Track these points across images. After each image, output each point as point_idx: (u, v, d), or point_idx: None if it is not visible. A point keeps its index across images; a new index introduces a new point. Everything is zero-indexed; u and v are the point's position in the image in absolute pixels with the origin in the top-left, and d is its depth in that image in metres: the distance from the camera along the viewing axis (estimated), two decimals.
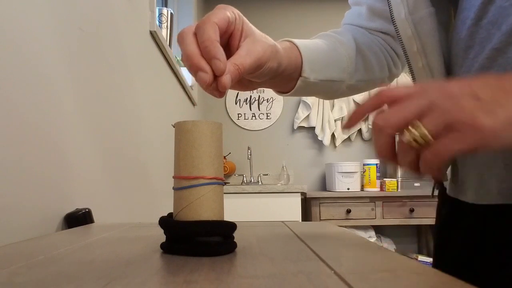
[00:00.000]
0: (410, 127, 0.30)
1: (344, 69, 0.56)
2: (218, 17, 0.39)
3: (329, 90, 0.57)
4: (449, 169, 0.56)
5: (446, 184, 0.57)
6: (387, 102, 0.34)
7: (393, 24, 0.50)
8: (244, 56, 0.41)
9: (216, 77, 0.38)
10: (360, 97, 2.96)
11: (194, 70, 0.38)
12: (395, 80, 0.65)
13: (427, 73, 0.48)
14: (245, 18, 0.43)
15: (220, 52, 0.37)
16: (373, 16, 0.61)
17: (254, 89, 0.51)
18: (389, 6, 0.50)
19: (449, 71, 0.49)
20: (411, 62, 0.49)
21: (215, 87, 0.39)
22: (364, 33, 0.62)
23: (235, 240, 0.38)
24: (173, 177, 0.37)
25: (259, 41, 0.44)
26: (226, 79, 0.38)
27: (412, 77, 0.49)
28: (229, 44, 0.43)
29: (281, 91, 0.55)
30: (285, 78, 0.51)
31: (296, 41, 0.52)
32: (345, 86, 0.58)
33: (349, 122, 0.37)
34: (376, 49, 0.61)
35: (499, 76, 0.30)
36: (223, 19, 0.40)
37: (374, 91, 0.44)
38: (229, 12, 0.41)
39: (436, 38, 0.48)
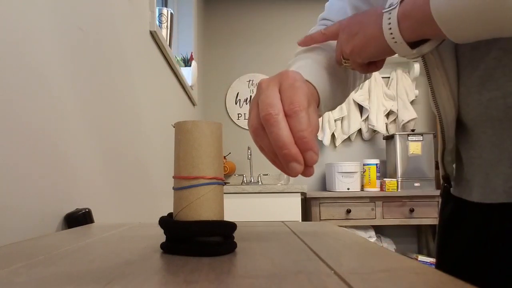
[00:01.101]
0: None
1: (342, 92, 0.58)
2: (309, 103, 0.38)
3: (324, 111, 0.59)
4: (453, 168, 0.56)
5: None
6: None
7: None
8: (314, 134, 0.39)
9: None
10: (360, 97, 2.97)
11: (288, 160, 0.36)
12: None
13: (441, 73, 0.48)
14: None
15: (316, 145, 0.36)
16: None
17: None
18: None
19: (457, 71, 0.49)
20: (427, 62, 0.49)
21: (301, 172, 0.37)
22: None
23: (235, 240, 0.38)
24: (173, 177, 0.37)
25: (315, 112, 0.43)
26: (312, 162, 0.37)
27: (428, 77, 0.49)
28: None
29: None
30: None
31: (313, 82, 0.49)
32: (337, 105, 0.60)
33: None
34: None
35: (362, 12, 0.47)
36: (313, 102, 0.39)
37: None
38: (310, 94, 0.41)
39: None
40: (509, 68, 0.39)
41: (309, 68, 0.51)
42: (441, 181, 0.58)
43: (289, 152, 0.35)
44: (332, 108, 0.57)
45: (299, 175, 0.37)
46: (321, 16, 0.66)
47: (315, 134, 0.40)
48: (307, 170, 0.37)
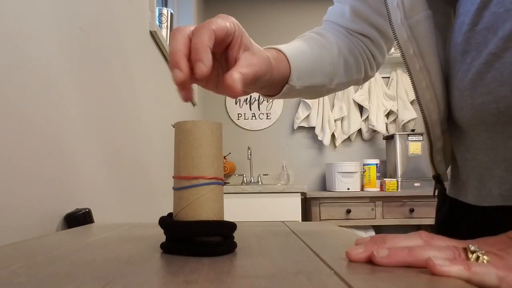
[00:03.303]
0: None
1: (327, 75, 0.59)
2: (217, 25, 0.39)
3: (310, 93, 0.60)
4: (449, 169, 0.56)
5: (446, 184, 0.57)
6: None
7: (391, 28, 0.50)
8: (246, 67, 0.41)
9: (194, 79, 0.38)
10: (360, 97, 2.97)
11: (172, 65, 0.38)
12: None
13: (424, 76, 0.48)
14: (244, 31, 0.43)
15: (207, 57, 0.37)
16: (356, 17, 0.63)
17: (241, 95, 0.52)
18: (387, 10, 0.50)
19: (447, 75, 0.49)
20: (409, 65, 0.49)
21: (184, 88, 0.39)
22: (345, 34, 0.64)
23: (235, 240, 0.38)
24: (173, 177, 0.37)
25: (257, 55, 0.44)
26: (237, 77, 0.39)
27: (410, 79, 0.49)
28: (227, 55, 0.43)
29: (266, 95, 0.57)
30: (271, 85, 0.52)
31: (284, 50, 0.54)
32: (325, 90, 0.61)
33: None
34: (356, 52, 0.63)
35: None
36: (221, 29, 0.40)
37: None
38: (228, 23, 0.41)
39: (432, 40, 0.48)
40: (500, 73, 0.39)
41: (288, 45, 0.56)
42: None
43: (173, 57, 0.38)
44: (309, 84, 0.57)
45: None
46: (323, 18, 0.69)
47: (254, 71, 0.42)
48: (186, 89, 0.39)
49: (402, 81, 3.02)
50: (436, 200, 0.61)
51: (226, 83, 0.38)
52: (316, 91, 0.60)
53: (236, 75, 0.39)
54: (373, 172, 2.74)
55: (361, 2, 0.62)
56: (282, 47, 0.54)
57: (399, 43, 0.49)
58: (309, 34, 0.63)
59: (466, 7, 0.44)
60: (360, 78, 0.65)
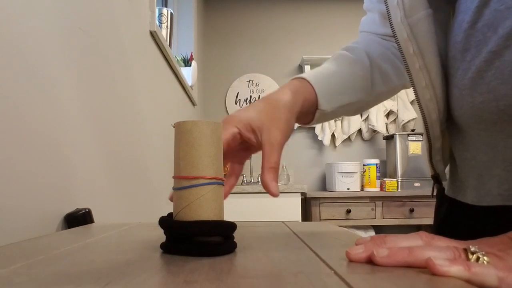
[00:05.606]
0: None
1: (361, 89, 0.58)
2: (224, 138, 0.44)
3: (350, 110, 0.60)
4: (447, 168, 0.56)
5: (445, 184, 0.57)
6: None
7: (391, 26, 0.50)
8: (271, 154, 0.45)
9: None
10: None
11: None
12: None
13: (424, 75, 0.48)
14: (253, 118, 0.47)
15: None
16: (385, 21, 0.62)
17: None
18: (386, 9, 0.50)
19: (447, 73, 0.49)
20: (409, 64, 0.49)
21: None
22: (379, 42, 0.63)
23: (235, 240, 0.38)
24: (173, 177, 0.37)
25: (274, 127, 0.47)
26: (274, 187, 0.45)
27: (410, 78, 0.49)
28: (251, 143, 0.48)
29: (301, 124, 0.58)
30: (303, 114, 0.54)
31: (307, 76, 0.54)
32: (365, 104, 0.60)
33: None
34: (392, 57, 0.62)
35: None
36: (225, 141, 0.45)
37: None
38: (230, 131, 0.46)
39: (433, 39, 0.47)
40: (500, 71, 0.39)
41: (312, 71, 0.56)
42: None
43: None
44: (341, 103, 0.57)
45: None
46: (359, 29, 0.69)
47: (279, 148, 0.46)
48: (269, 192, 0.46)
49: None
50: (435, 200, 0.61)
51: (265, 189, 0.45)
52: (355, 107, 0.60)
53: (270, 185, 0.45)
54: (373, 172, 2.74)
55: None
56: (305, 74, 0.55)
57: (398, 42, 0.49)
58: (338, 53, 0.62)
59: (466, 5, 0.43)
60: (404, 81, 0.63)
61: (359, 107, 0.60)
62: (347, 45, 0.63)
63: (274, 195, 0.45)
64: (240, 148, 0.49)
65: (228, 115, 0.48)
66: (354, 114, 0.63)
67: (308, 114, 0.54)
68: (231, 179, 0.51)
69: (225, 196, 0.47)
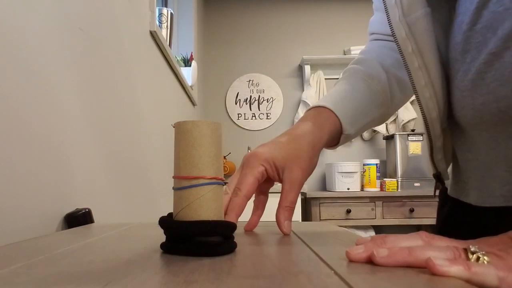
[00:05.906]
0: None
1: (381, 105, 0.60)
2: (247, 190, 0.49)
3: (374, 125, 0.62)
4: (450, 168, 0.56)
5: (447, 183, 0.57)
6: None
7: (389, 25, 0.49)
8: (289, 193, 0.50)
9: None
10: None
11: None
12: None
13: (423, 73, 0.48)
14: (277, 157, 0.50)
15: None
16: None
17: None
18: (385, 7, 0.50)
19: (448, 74, 0.49)
20: (408, 63, 0.48)
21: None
22: (391, 46, 0.62)
23: (235, 240, 0.38)
24: (173, 177, 0.37)
25: (296, 166, 0.51)
26: (287, 226, 0.48)
27: (409, 77, 0.49)
28: (274, 179, 0.53)
29: (327, 147, 0.60)
30: (329, 141, 0.57)
31: (328, 105, 0.56)
32: (386, 115, 0.62)
33: None
34: None
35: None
36: (255, 179, 0.49)
37: None
38: (259, 169, 0.50)
39: (431, 38, 0.47)
40: (500, 73, 0.39)
41: (330, 95, 0.58)
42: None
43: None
44: (365, 123, 0.59)
45: None
46: (368, 31, 0.70)
47: (299, 187, 0.51)
48: (282, 231, 0.50)
49: None
50: (437, 200, 0.61)
51: (278, 226, 0.49)
52: (377, 121, 0.62)
53: (283, 224, 0.48)
54: (373, 172, 2.74)
55: None
56: (324, 102, 0.56)
57: (397, 41, 0.49)
58: (351, 69, 0.62)
59: (465, 6, 0.43)
60: None
61: (381, 120, 0.62)
62: (359, 57, 0.63)
63: (285, 233, 0.48)
64: (264, 181, 0.53)
65: (252, 151, 0.51)
66: (377, 126, 0.65)
67: (333, 139, 0.57)
68: (258, 211, 0.55)
69: (254, 227, 0.52)
